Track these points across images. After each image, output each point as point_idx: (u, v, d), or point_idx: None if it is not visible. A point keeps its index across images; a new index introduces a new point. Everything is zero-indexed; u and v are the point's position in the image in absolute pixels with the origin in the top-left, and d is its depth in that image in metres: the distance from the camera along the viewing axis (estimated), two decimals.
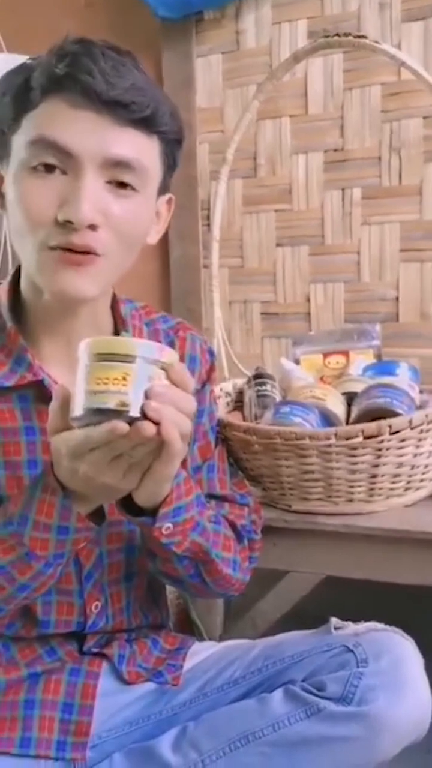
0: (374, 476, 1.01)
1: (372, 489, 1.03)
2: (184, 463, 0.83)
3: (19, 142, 0.79)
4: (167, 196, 0.89)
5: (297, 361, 1.35)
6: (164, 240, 0.93)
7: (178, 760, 0.81)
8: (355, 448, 0.98)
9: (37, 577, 0.76)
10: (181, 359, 0.96)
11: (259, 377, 1.23)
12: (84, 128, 0.75)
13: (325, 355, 1.34)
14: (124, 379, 0.63)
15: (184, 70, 1.72)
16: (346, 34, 1.05)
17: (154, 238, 0.89)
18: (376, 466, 1.00)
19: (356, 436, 0.97)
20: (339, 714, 0.79)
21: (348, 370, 1.27)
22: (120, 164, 0.78)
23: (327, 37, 1.06)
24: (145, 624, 0.96)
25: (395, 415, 1.01)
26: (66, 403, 0.67)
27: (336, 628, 0.89)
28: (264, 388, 1.20)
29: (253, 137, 1.67)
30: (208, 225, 1.75)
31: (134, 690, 0.90)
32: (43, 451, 0.84)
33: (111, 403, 0.63)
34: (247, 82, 1.68)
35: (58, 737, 0.84)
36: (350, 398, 1.13)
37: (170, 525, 0.78)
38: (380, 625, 0.88)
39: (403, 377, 1.17)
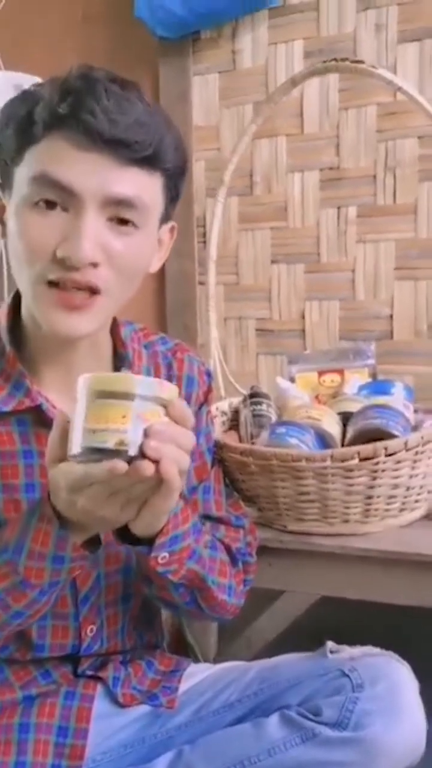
0: (370, 497, 1.02)
1: (367, 510, 1.03)
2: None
3: (21, 174, 0.78)
4: (170, 224, 0.89)
5: (292, 379, 1.35)
6: None
7: None
8: (351, 470, 0.98)
9: (31, 605, 0.76)
10: (179, 380, 0.97)
11: (254, 396, 1.23)
12: (86, 168, 0.75)
13: (321, 373, 1.34)
14: (124, 417, 0.63)
15: (181, 88, 1.74)
16: (344, 59, 1.06)
17: (155, 266, 0.89)
18: (372, 487, 1.00)
19: (352, 458, 0.98)
20: (335, 739, 0.79)
21: (343, 389, 1.28)
22: (121, 203, 0.77)
23: (325, 62, 1.07)
24: (140, 645, 0.96)
25: (391, 436, 1.02)
26: (66, 433, 0.67)
27: (332, 652, 0.89)
28: (260, 407, 1.20)
29: (250, 155, 1.68)
30: (204, 242, 1.76)
31: (129, 713, 0.90)
32: (40, 474, 0.84)
33: (110, 443, 0.63)
34: (243, 101, 1.70)
35: (53, 761, 0.84)
36: (346, 418, 1.14)
37: (166, 554, 0.78)
38: (376, 650, 0.88)
39: (398, 397, 1.17)
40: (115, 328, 0.92)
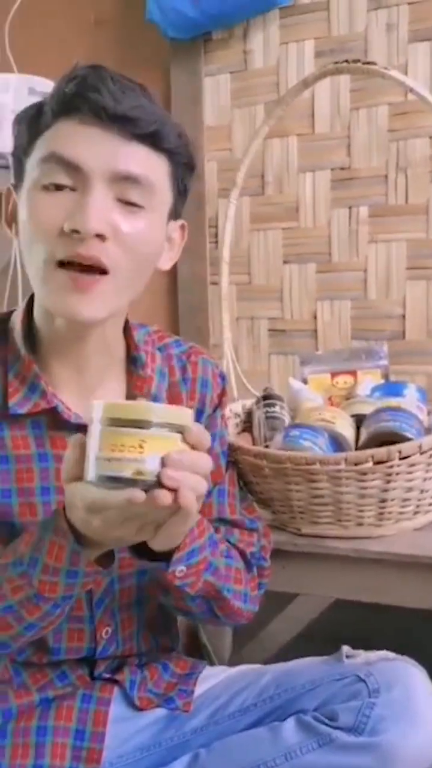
0: (384, 500, 1.01)
1: (381, 513, 1.03)
2: None
3: (31, 163, 0.81)
4: (179, 222, 0.90)
5: (305, 381, 1.35)
6: None
7: None
8: (364, 473, 0.98)
9: (44, 617, 0.76)
10: (193, 383, 0.97)
11: (267, 398, 1.23)
12: (92, 143, 0.77)
13: (333, 374, 1.34)
14: (141, 447, 0.62)
15: (193, 89, 1.73)
16: (356, 61, 1.06)
17: (166, 264, 0.90)
18: (386, 490, 1.00)
19: (366, 462, 0.98)
20: (351, 744, 0.79)
21: (356, 391, 1.27)
22: (128, 179, 0.78)
23: (337, 63, 1.07)
24: (155, 647, 0.96)
25: (404, 439, 1.01)
26: (83, 453, 0.66)
27: (347, 657, 0.89)
28: (273, 409, 1.20)
29: (261, 156, 1.67)
30: (216, 242, 1.76)
31: (145, 716, 0.90)
32: (56, 478, 0.84)
33: (127, 472, 0.63)
34: (254, 102, 1.69)
35: (71, 764, 0.84)
36: (359, 420, 1.13)
37: (183, 568, 0.79)
38: (392, 654, 0.88)
39: (411, 398, 1.17)
40: (128, 330, 0.92)
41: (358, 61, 1.06)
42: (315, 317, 1.69)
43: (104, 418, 0.64)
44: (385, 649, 0.90)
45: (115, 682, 0.90)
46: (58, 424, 0.84)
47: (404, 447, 0.98)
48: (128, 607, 0.91)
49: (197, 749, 0.86)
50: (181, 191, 0.86)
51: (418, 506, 1.05)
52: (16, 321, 0.88)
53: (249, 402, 1.29)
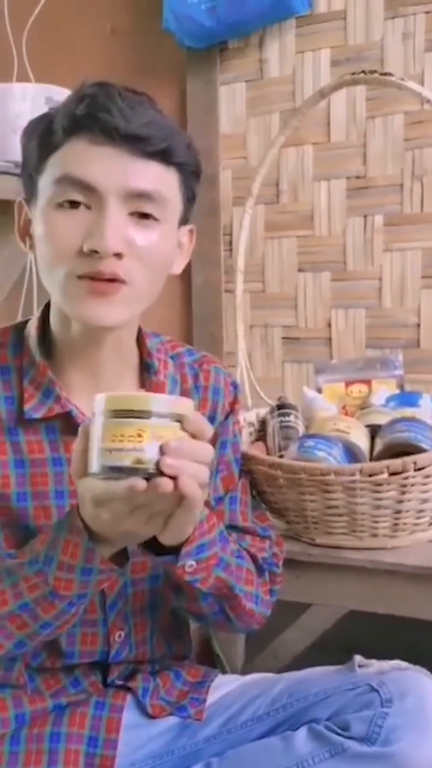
0: (399, 512, 1.01)
1: (396, 524, 1.03)
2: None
3: (44, 182, 0.82)
4: (188, 226, 0.92)
5: (319, 390, 1.35)
6: (187, 265, 0.95)
7: None
8: (379, 484, 0.98)
9: (60, 615, 0.77)
10: (206, 390, 0.98)
11: (282, 407, 1.23)
12: (105, 164, 0.79)
13: (348, 384, 1.34)
14: (140, 436, 0.64)
15: (208, 98, 1.74)
16: (372, 72, 1.07)
17: (178, 268, 0.92)
18: (401, 501, 1.00)
19: (381, 473, 0.98)
20: (363, 754, 0.79)
21: (370, 400, 1.27)
22: (141, 196, 0.80)
23: (354, 74, 1.07)
24: (168, 654, 0.96)
25: (420, 449, 1.01)
26: (87, 442, 0.68)
27: (360, 666, 0.89)
28: (287, 419, 1.20)
29: (276, 164, 1.68)
30: (230, 250, 1.76)
31: (158, 724, 0.91)
32: (70, 481, 0.85)
33: (127, 461, 0.64)
34: (270, 111, 1.70)
35: None
36: (373, 430, 1.13)
37: (193, 563, 0.79)
38: (404, 664, 0.88)
39: (425, 408, 1.17)
40: (141, 337, 0.94)
41: (375, 71, 1.06)
42: (329, 325, 1.69)
43: (106, 410, 0.66)
44: (397, 659, 0.90)
45: (128, 689, 0.91)
46: (72, 428, 0.85)
47: (419, 458, 0.98)
48: (141, 612, 0.91)
49: (210, 758, 0.86)
50: (189, 198, 0.88)
51: None
52: (32, 329, 0.90)
53: (263, 411, 1.29)
